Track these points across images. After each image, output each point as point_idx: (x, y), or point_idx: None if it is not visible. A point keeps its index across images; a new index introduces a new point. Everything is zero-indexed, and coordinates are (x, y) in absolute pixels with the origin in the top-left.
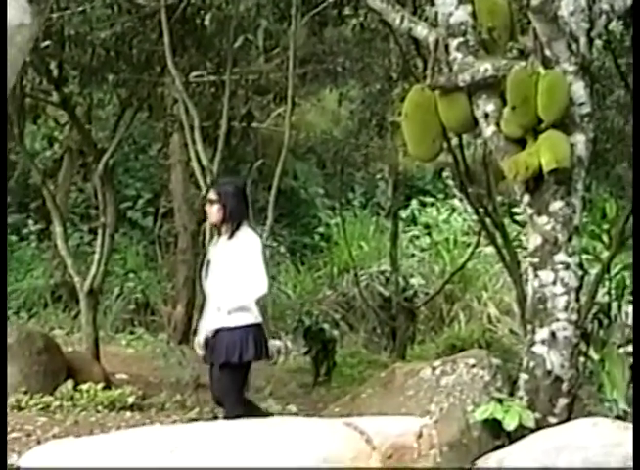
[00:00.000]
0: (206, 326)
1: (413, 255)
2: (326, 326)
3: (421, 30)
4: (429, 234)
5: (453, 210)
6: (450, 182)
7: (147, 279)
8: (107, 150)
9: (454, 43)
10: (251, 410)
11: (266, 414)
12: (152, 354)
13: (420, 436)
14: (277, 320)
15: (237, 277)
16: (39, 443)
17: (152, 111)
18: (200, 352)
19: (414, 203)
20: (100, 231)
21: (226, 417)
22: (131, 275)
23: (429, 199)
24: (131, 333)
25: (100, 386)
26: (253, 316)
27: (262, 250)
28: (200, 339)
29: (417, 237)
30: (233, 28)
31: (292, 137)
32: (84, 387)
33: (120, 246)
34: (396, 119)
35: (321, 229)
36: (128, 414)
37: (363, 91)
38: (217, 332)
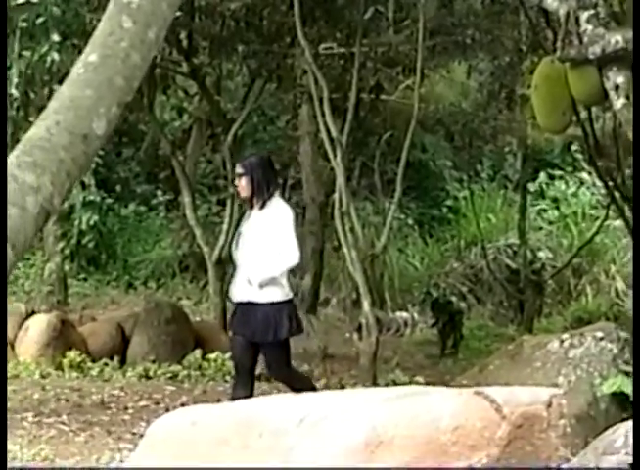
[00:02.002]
0: (236, 297)
1: (541, 228)
2: (453, 298)
3: (551, 2)
4: (557, 207)
5: (582, 183)
6: (579, 155)
7: None
8: (236, 121)
9: (585, 15)
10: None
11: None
12: None
13: (549, 405)
14: (404, 292)
15: (268, 248)
16: (167, 411)
17: (281, 82)
18: None
19: (542, 176)
20: (229, 202)
21: (296, 391)
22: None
23: (557, 172)
24: None
25: (227, 355)
26: (284, 293)
27: (294, 220)
28: None
29: (545, 210)
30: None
31: (420, 109)
32: (212, 356)
33: None
34: (525, 92)
35: (449, 202)
36: (256, 384)
37: (492, 63)
38: (247, 305)
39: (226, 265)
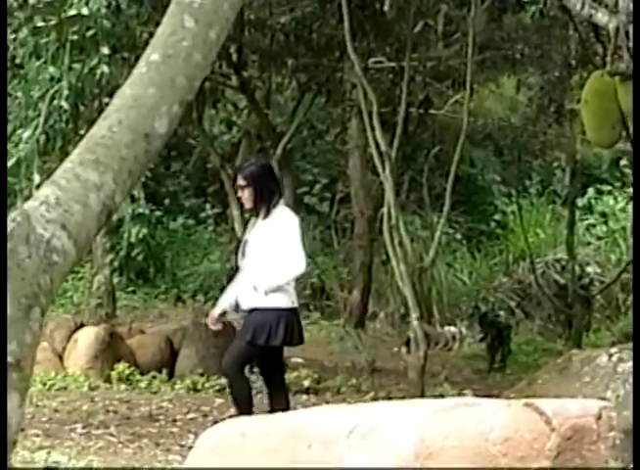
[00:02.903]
0: (242, 305)
1: (589, 243)
2: (501, 313)
3: (601, 17)
4: (605, 222)
5: (630, 198)
6: (628, 170)
7: (323, 264)
8: (285, 134)
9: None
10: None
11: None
12: (327, 339)
13: (599, 418)
14: (452, 307)
15: (274, 256)
16: (216, 423)
17: (330, 96)
18: (212, 325)
19: (591, 191)
20: None
21: (231, 389)
22: (308, 260)
23: (606, 187)
24: (307, 317)
25: None
26: (290, 300)
27: (300, 228)
28: (215, 312)
29: (593, 225)
30: (413, 13)
31: (469, 124)
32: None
33: None
34: (574, 107)
35: (497, 216)
36: (304, 397)
37: (541, 78)
38: (252, 311)
39: None
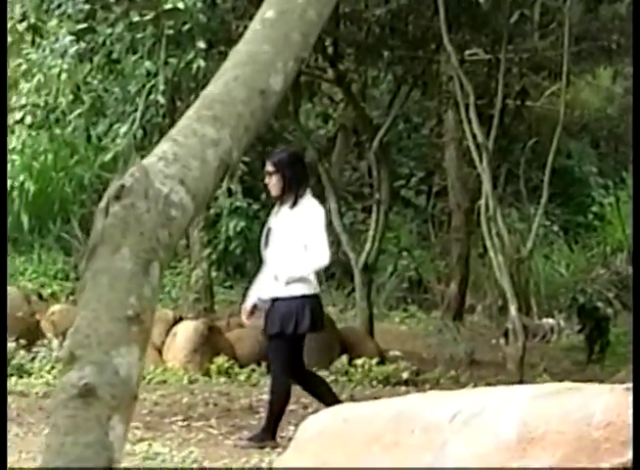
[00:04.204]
0: (262, 294)
1: None
2: (600, 305)
3: None
4: None
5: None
6: None
7: (420, 257)
8: (381, 128)
9: None
10: (314, 381)
11: (328, 388)
12: (425, 332)
13: None
14: (550, 299)
15: (298, 247)
16: None
17: (426, 88)
18: (245, 318)
19: None
20: (374, 208)
21: (272, 386)
22: (404, 253)
23: None
24: (404, 310)
25: (374, 361)
26: (311, 287)
27: (325, 220)
28: (247, 305)
29: None
30: (508, 4)
31: (566, 115)
32: (359, 362)
33: (394, 224)
34: None
35: (594, 208)
36: (403, 389)
37: None
38: (274, 301)
39: (372, 272)
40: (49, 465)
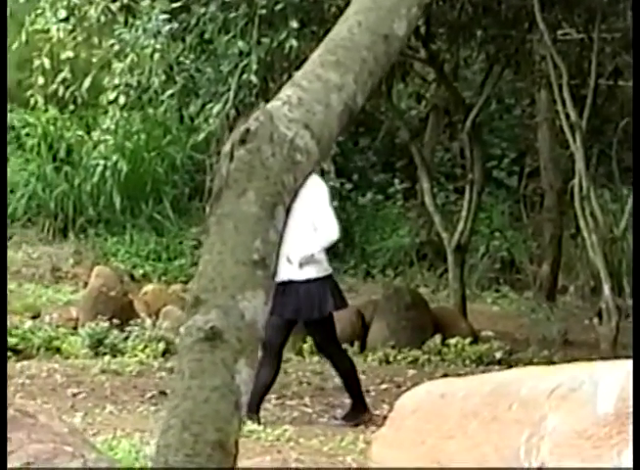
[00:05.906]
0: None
1: None
2: None
3: None
4: None
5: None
6: None
7: (512, 238)
8: (473, 108)
9: None
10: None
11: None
12: (517, 312)
13: None
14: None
15: (307, 227)
16: None
17: (519, 68)
18: None
19: None
20: (467, 188)
21: (337, 370)
22: (497, 234)
23: None
24: (496, 291)
25: (467, 341)
26: (323, 268)
27: (330, 196)
28: None
29: None
30: None
31: None
32: (452, 341)
33: (486, 205)
34: None
35: None
36: (496, 368)
37: None
38: (287, 284)
39: (464, 252)
40: (174, 410)
